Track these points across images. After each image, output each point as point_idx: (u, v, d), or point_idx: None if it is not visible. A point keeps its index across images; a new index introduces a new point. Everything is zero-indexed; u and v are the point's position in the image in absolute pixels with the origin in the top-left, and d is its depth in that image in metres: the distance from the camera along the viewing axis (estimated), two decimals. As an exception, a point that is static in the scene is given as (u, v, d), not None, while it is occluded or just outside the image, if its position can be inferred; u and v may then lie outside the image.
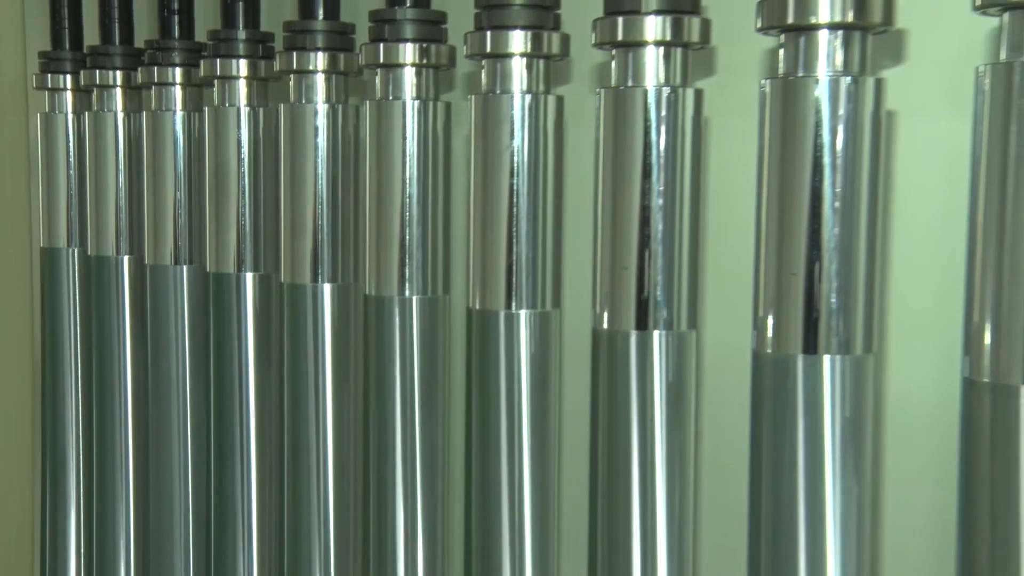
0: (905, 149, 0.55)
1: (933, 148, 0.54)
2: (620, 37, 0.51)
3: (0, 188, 1.14)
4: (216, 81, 0.76)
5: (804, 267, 0.46)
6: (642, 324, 0.53)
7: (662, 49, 0.52)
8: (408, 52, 0.62)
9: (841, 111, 0.45)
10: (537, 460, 0.60)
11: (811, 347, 0.47)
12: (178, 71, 0.80)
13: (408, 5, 0.62)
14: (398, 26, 0.62)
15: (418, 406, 0.65)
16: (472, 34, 0.58)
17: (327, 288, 0.70)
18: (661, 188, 0.52)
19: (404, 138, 0.63)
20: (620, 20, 0.51)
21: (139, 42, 0.87)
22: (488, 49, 0.57)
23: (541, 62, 0.58)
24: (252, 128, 0.75)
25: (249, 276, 0.76)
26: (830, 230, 0.46)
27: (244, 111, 0.75)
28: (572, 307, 0.64)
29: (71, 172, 0.94)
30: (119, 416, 0.90)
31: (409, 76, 0.63)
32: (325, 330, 0.70)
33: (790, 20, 0.45)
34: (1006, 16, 0.42)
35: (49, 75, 0.93)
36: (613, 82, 0.53)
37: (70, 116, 0.94)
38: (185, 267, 0.82)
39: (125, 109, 0.88)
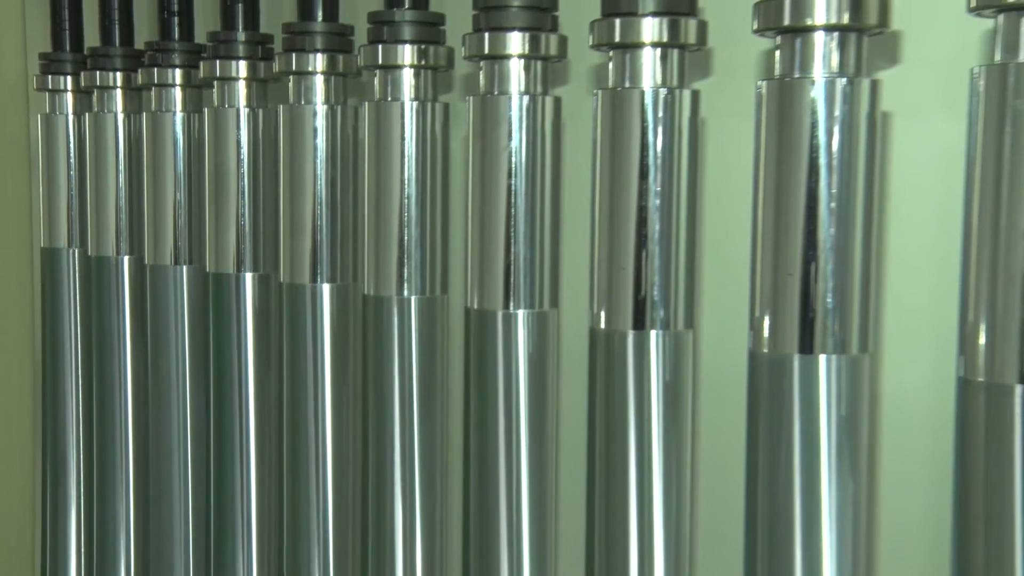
0: (900, 150, 0.55)
1: (928, 149, 0.54)
2: (617, 39, 0.52)
3: (1, 188, 1.15)
4: (216, 82, 0.76)
5: (800, 267, 0.47)
6: (639, 324, 0.53)
7: (659, 50, 0.52)
8: (406, 53, 0.63)
9: (837, 112, 0.45)
10: (535, 459, 0.60)
11: (807, 347, 0.47)
12: (178, 72, 0.80)
13: (406, 7, 0.62)
14: (397, 28, 0.62)
15: (416, 405, 0.65)
16: (470, 36, 0.58)
17: (326, 288, 0.70)
18: (658, 189, 0.52)
19: (403, 139, 0.63)
20: (617, 22, 0.51)
21: (139, 44, 0.87)
22: (486, 51, 0.57)
23: (539, 63, 0.58)
24: (251, 129, 0.75)
25: (248, 276, 0.77)
26: (826, 230, 0.46)
27: (243, 112, 0.75)
28: (570, 307, 0.64)
29: (71, 173, 0.94)
30: (119, 415, 0.90)
31: (408, 77, 0.63)
32: (324, 330, 0.71)
33: (786, 22, 0.45)
34: (1001, 18, 0.42)
35: (50, 76, 0.93)
36: (610, 83, 0.53)
37: (70, 117, 0.94)
38: (185, 267, 0.82)
39: (125, 110, 0.88)
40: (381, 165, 0.64)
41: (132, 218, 0.88)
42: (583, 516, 0.56)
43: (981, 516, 0.43)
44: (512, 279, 0.59)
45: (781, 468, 0.48)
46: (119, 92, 0.88)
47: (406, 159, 0.64)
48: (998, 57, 0.42)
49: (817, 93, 0.45)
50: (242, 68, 0.74)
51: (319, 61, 0.68)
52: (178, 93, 0.81)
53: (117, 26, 0.86)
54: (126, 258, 0.89)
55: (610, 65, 0.53)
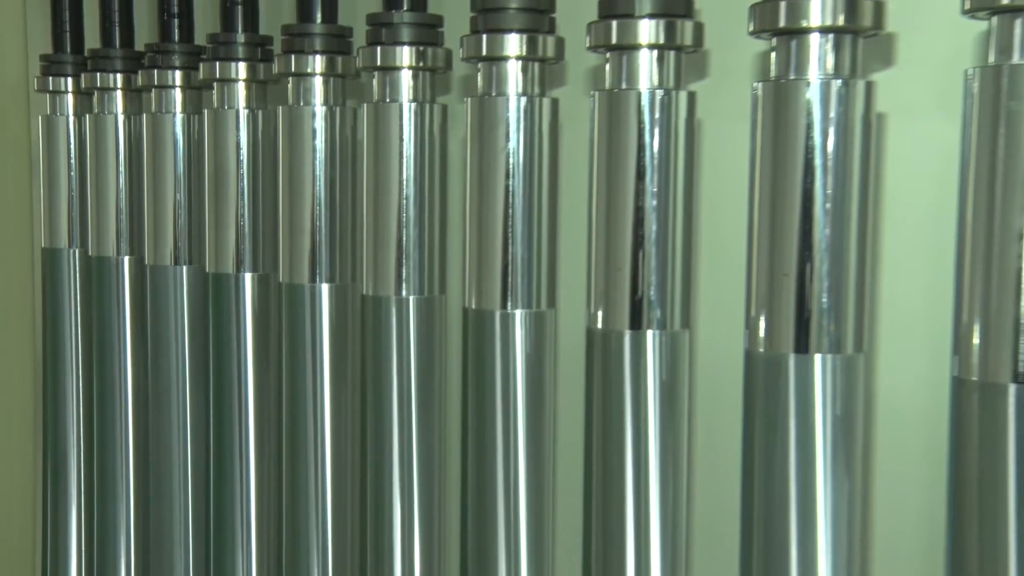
0: (895, 151, 0.55)
1: (923, 150, 0.54)
2: (614, 40, 0.52)
3: (2, 189, 1.15)
4: (215, 84, 0.76)
5: (796, 267, 0.47)
6: (636, 324, 0.53)
7: (655, 52, 0.52)
8: (405, 55, 0.63)
9: (832, 113, 0.46)
10: (532, 458, 0.60)
11: (802, 346, 0.47)
12: (178, 74, 0.81)
13: (405, 9, 0.63)
14: (395, 29, 0.62)
15: (415, 404, 0.66)
16: (468, 37, 0.58)
17: (325, 288, 0.70)
18: (655, 189, 0.52)
19: (401, 140, 0.64)
20: (614, 24, 0.52)
21: (139, 45, 0.87)
22: (484, 52, 0.57)
23: (536, 65, 0.58)
24: (251, 130, 0.75)
25: (248, 276, 0.77)
26: (821, 231, 0.46)
27: (243, 113, 0.75)
28: (567, 307, 0.65)
29: (72, 174, 0.94)
30: (119, 415, 0.90)
31: (406, 79, 0.64)
32: (323, 329, 0.71)
33: (782, 24, 0.45)
34: (994, 20, 0.42)
35: (50, 78, 0.93)
36: (607, 85, 0.53)
37: (71, 118, 0.94)
38: (185, 267, 0.82)
39: (125, 111, 0.88)
40: (380, 166, 0.64)
41: (132, 219, 0.88)
42: (580, 515, 0.56)
43: (975, 514, 0.43)
44: (510, 279, 0.59)
45: (777, 467, 0.48)
46: (119, 93, 0.88)
47: (404, 160, 0.64)
48: (992, 59, 0.42)
49: (812, 95, 0.46)
50: (241, 70, 0.74)
51: (318, 63, 0.68)
52: (178, 94, 0.81)
53: (117, 28, 0.86)
54: (126, 258, 0.89)
55: (607, 67, 0.53)
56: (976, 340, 0.43)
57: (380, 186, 0.64)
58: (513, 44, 0.57)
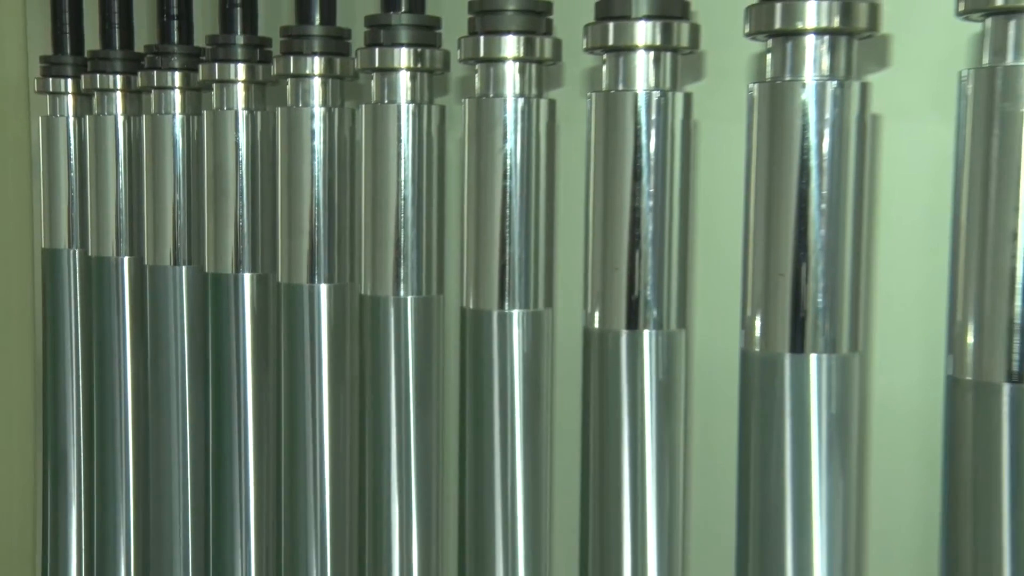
0: (890, 152, 0.55)
1: (917, 151, 0.54)
2: (611, 42, 0.52)
3: (2, 190, 1.15)
4: (214, 85, 0.76)
5: (791, 267, 0.47)
6: (632, 323, 0.53)
7: (652, 54, 0.52)
8: (403, 56, 0.63)
9: (827, 115, 0.46)
10: (529, 457, 0.60)
11: (798, 346, 0.47)
12: (177, 75, 0.81)
13: (403, 10, 0.63)
14: (393, 31, 0.62)
15: (413, 404, 0.66)
16: (466, 39, 0.58)
17: (323, 288, 0.70)
18: (651, 190, 0.53)
19: (399, 141, 0.64)
20: (611, 25, 0.52)
21: (139, 47, 0.87)
22: (481, 53, 0.58)
23: (533, 66, 0.58)
24: (250, 131, 0.75)
25: (247, 276, 0.77)
26: (817, 231, 0.46)
27: (242, 114, 0.75)
28: (564, 307, 0.65)
29: (72, 174, 0.94)
30: (119, 414, 0.90)
31: (404, 80, 0.64)
32: (321, 329, 0.71)
33: (777, 25, 0.46)
34: (988, 21, 0.42)
35: (51, 79, 0.93)
36: (604, 86, 0.53)
37: (71, 119, 0.94)
38: (184, 268, 0.82)
39: (125, 112, 0.88)
40: (378, 167, 0.64)
41: (132, 219, 0.88)
42: (577, 513, 0.57)
43: (969, 513, 0.43)
44: (507, 279, 0.59)
45: (772, 466, 0.48)
46: (119, 95, 0.88)
47: (402, 161, 0.64)
48: (986, 60, 0.42)
49: (808, 96, 0.46)
50: (240, 71, 0.74)
51: (316, 64, 0.68)
52: (177, 95, 0.81)
53: (117, 29, 0.86)
54: (126, 259, 0.89)
55: (604, 68, 0.53)
56: (970, 340, 0.43)
57: (378, 187, 0.64)
58: (510, 46, 0.57)
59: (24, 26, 1.14)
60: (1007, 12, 0.41)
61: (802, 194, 0.46)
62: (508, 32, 0.57)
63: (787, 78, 0.46)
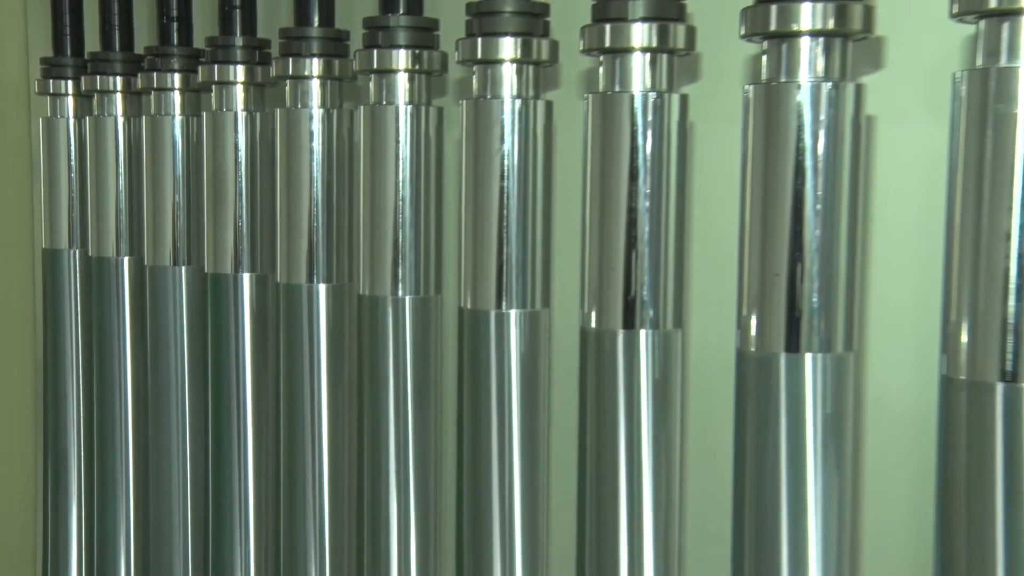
0: (884, 153, 0.55)
1: (911, 152, 0.54)
2: (607, 44, 0.52)
3: (3, 191, 1.15)
4: (214, 86, 0.76)
5: (787, 267, 0.47)
6: (629, 323, 0.54)
7: (648, 55, 0.52)
8: (401, 58, 0.63)
9: (822, 116, 0.46)
10: (527, 456, 0.60)
11: (793, 345, 0.47)
12: (177, 77, 0.81)
13: (401, 12, 0.63)
14: (391, 33, 0.63)
15: (411, 403, 0.66)
16: (463, 41, 0.58)
17: (322, 288, 0.71)
18: (647, 191, 0.53)
19: (397, 142, 0.64)
20: (607, 27, 0.52)
21: (139, 48, 0.87)
22: (479, 55, 0.58)
23: (530, 68, 0.58)
24: (249, 132, 0.76)
25: (246, 276, 0.77)
26: (812, 231, 0.46)
27: (241, 116, 0.75)
28: (561, 307, 0.65)
29: (72, 175, 0.94)
30: (119, 414, 0.90)
31: (402, 81, 0.64)
32: (320, 329, 0.71)
33: (773, 27, 0.46)
34: (982, 23, 0.42)
35: (51, 80, 0.93)
36: (601, 87, 0.53)
37: (71, 120, 0.94)
38: (184, 268, 0.83)
39: (125, 114, 0.88)
40: (376, 168, 0.64)
41: (132, 220, 0.88)
42: (575, 512, 0.57)
43: (963, 511, 0.43)
44: (504, 279, 0.59)
45: (768, 464, 0.48)
46: (119, 96, 0.88)
47: (400, 162, 0.64)
48: (980, 62, 0.42)
49: (803, 97, 0.46)
50: (240, 72, 0.75)
51: (315, 66, 0.68)
52: (177, 97, 0.81)
53: (117, 31, 0.86)
54: (126, 259, 0.89)
55: (600, 70, 0.53)
56: (964, 339, 0.43)
57: (376, 187, 0.64)
58: (508, 47, 0.57)
59: (25, 27, 1.14)
60: (1000, 14, 0.41)
61: (797, 195, 0.46)
62: (505, 34, 0.57)
63: (782, 80, 0.46)
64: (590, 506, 0.55)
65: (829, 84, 0.46)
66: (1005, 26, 0.42)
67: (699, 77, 0.62)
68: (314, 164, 0.69)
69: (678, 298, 0.54)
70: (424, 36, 0.63)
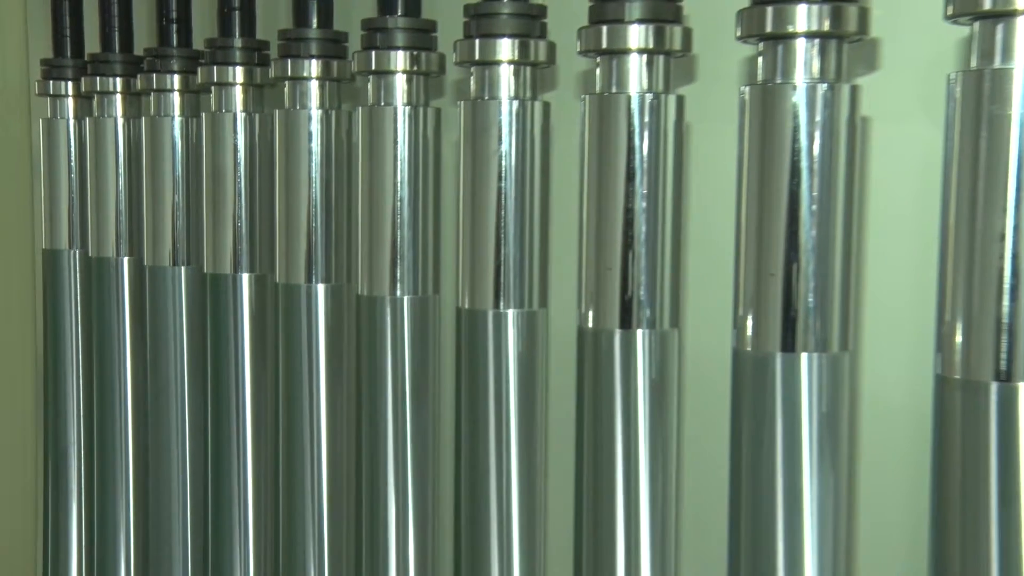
0: (879, 154, 0.55)
1: (906, 153, 0.54)
2: (604, 45, 0.52)
3: (3, 191, 1.15)
4: (213, 88, 0.76)
5: (782, 267, 0.47)
6: (626, 323, 0.54)
7: (645, 57, 0.52)
8: (399, 59, 0.63)
9: (818, 117, 0.46)
10: (524, 455, 0.60)
11: (789, 345, 0.47)
12: (176, 78, 0.81)
13: (399, 14, 0.63)
14: (389, 34, 0.63)
15: (409, 402, 0.66)
16: (461, 42, 0.58)
17: (321, 288, 0.71)
18: (644, 191, 0.53)
19: (395, 143, 0.64)
20: (604, 29, 0.52)
21: (138, 50, 0.87)
22: (477, 56, 0.58)
23: (528, 69, 0.58)
24: (248, 133, 0.76)
25: (245, 277, 0.77)
26: (807, 232, 0.46)
27: (240, 117, 0.75)
28: (558, 306, 0.65)
29: (72, 176, 0.94)
30: (119, 414, 0.90)
31: (400, 83, 0.64)
32: (319, 329, 0.71)
33: (768, 29, 0.46)
34: (976, 25, 0.42)
35: (51, 82, 0.93)
36: (597, 88, 0.53)
37: (71, 122, 0.94)
38: (183, 268, 0.83)
39: (125, 115, 0.88)
40: (374, 168, 0.64)
41: (132, 220, 0.88)
42: (572, 511, 0.57)
43: (958, 510, 0.43)
44: (502, 279, 0.59)
45: (764, 463, 0.48)
46: (119, 97, 0.88)
47: (399, 162, 0.64)
48: (974, 63, 0.42)
49: (799, 98, 0.46)
50: (239, 74, 0.75)
51: (314, 67, 0.69)
52: (176, 98, 0.82)
53: (117, 33, 0.86)
54: (126, 259, 0.89)
55: (597, 71, 0.53)
56: (959, 339, 0.43)
57: (375, 188, 0.64)
58: (505, 49, 0.57)
59: (25, 29, 1.14)
60: (995, 16, 0.41)
61: (793, 195, 0.46)
62: (503, 35, 0.57)
63: (778, 81, 0.46)
64: (587, 505, 0.55)
65: (824, 85, 0.46)
66: (999, 28, 0.41)
67: (695, 78, 0.62)
68: (313, 165, 0.70)
69: (675, 298, 0.54)
70: (422, 38, 0.63)
